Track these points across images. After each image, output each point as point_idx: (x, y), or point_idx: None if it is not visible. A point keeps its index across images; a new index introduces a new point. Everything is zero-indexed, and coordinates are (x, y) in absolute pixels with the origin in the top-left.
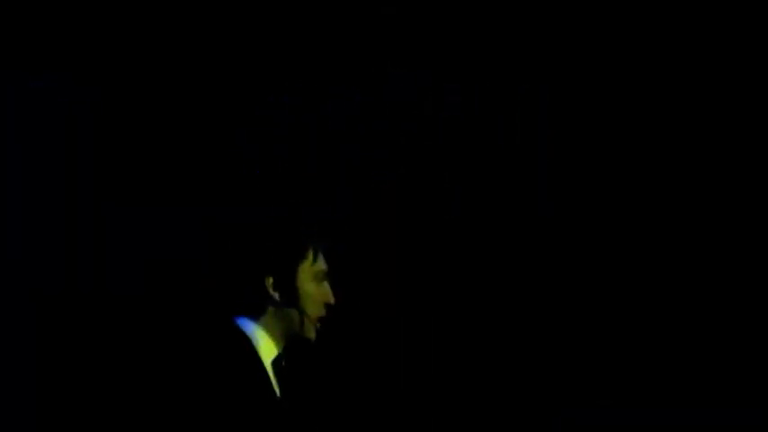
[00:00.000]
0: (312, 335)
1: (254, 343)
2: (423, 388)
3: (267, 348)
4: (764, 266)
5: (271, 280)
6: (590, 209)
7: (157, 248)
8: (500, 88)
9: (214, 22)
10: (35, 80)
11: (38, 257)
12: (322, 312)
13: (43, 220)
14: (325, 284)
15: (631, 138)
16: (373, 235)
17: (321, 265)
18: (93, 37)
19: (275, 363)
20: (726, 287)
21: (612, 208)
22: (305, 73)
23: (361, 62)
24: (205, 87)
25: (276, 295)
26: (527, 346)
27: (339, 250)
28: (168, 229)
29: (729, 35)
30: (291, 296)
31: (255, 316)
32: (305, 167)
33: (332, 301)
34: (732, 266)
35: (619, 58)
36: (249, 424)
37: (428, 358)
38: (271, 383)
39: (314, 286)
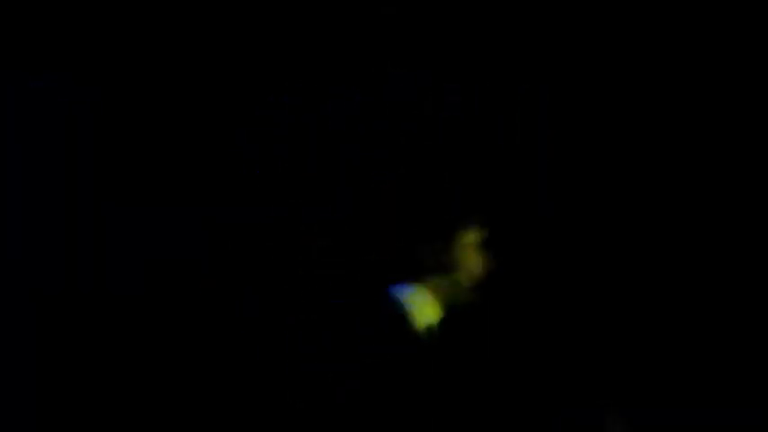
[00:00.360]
0: (467, 301)
1: (409, 309)
2: (422, 388)
3: (422, 315)
4: (764, 266)
5: (430, 248)
6: (590, 209)
7: (157, 248)
8: (500, 88)
9: (214, 22)
10: (35, 80)
11: (38, 257)
12: (480, 280)
13: (43, 221)
14: (481, 254)
15: (631, 138)
16: (373, 235)
17: (477, 235)
18: (93, 37)
19: (430, 329)
20: (726, 286)
21: (612, 208)
22: (305, 73)
23: (361, 62)
24: (205, 87)
25: (434, 263)
26: (527, 345)
27: (339, 250)
28: (168, 229)
29: (729, 35)
30: (449, 264)
31: (412, 283)
32: (305, 167)
33: (487, 269)
34: (732, 265)
35: (619, 58)
36: (405, 388)
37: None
38: (426, 349)
39: (472, 254)
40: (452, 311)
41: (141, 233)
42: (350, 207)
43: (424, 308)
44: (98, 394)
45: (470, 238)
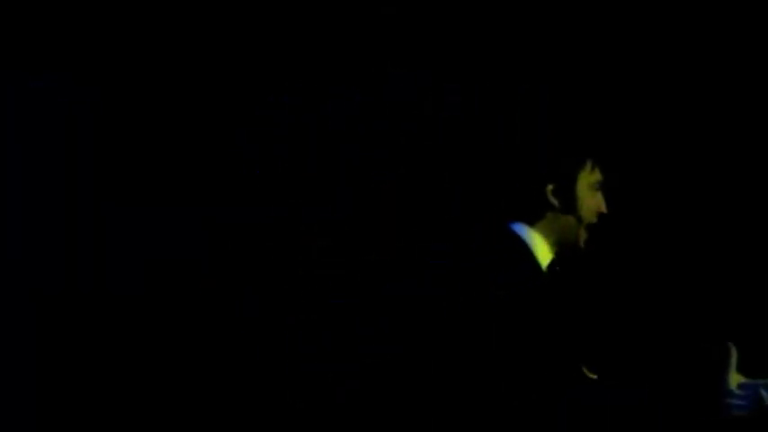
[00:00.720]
0: (582, 242)
1: (531, 247)
2: (423, 383)
3: (542, 253)
4: (764, 265)
5: (551, 187)
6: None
7: (157, 248)
8: (500, 88)
9: (214, 23)
10: (35, 80)
11: (37, 257)
12: (594, 220)
13: (43, 221)
14: (599, 194)
15: (631, 138)
16: (373, 235)
17: (598, 174)
18: (93, 37)
19: (550, 267)
20: (727, 284)
21: (612, 208)
22: (305, 73)
23: (361, 62)
24: (205, 87)
25: (555, 202)
26: (526, 345)
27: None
28: (168, 229)
29: (729, 35)
30: (569, 203)
31: (531, 222)
32: (305, 167)
33: (604, 209)
34: (733, 264)
35: (619, 58)
36: (529, 325)
37: (428, 356)
38: (549, 286)
39: (590, 194)
40: (565, 251)
41: (141, 233)
42: (350, 207)
43: (540, 245)
44: (98, 394)
45: (588, 178)
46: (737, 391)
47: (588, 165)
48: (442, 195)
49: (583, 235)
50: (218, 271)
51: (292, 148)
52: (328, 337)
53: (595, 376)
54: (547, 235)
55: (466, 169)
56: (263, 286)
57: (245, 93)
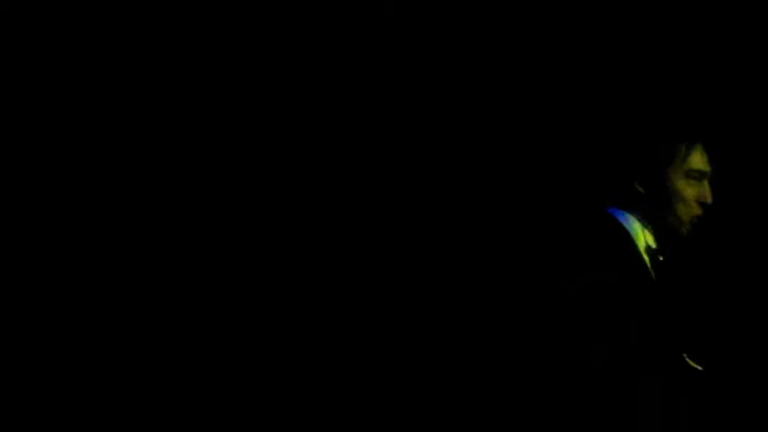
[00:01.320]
0: (683, 232)
1: (630, 232)
2: (423, 387)
3: (640, 238)
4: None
5: (638, 182)
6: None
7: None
8: (500, 88)
9: (214, 23)
10: None
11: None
12: (694, 212)
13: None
14: (698, 183)
15: (632, 138)
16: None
17: (694, 163)
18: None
19: (649, 252)
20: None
21: (719, 198)
22: (305, 73)
23: (362, 62)
24: (204, 87)
25: (642, 190)
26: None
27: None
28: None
29: (729, 35)
30: (660, 197)
31: (629, 208)
32: (305, 167)
33: (707, 199)
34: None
35: (618, 59)
36: (628, 307)
37: (429, 354)
38: (647, 270)
39: (684, 185)
40: (667, 239)
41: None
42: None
43: (639, 232)
44: (97, 394)
45: (681, 167)
46: None
47: (682, 154)
48: (443, 195)
49: (683, 225)
50: (218, 271)
51: (292, 148)
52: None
53: (700, 367)
54: (644, 223)
55: (466, 169)
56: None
57: (244, 92)
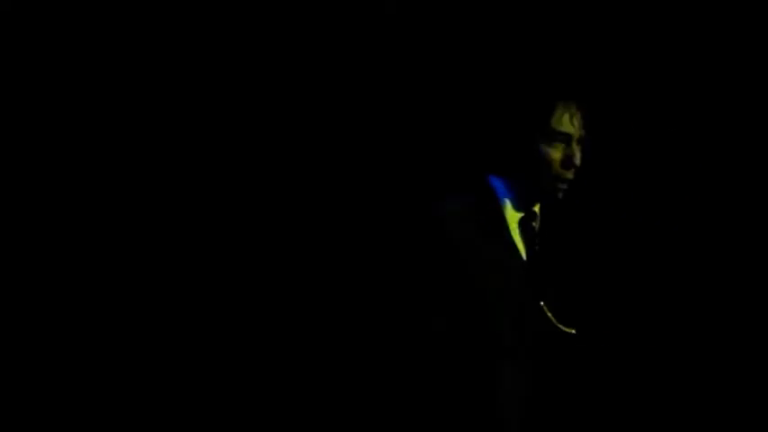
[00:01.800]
0: (556, 196)
1: (501, 201)
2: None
3: (513, 207)
4: (764, 266)
5: (508, 143)
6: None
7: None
8: (500, 88)
9: (212, 22)
10: None
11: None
12: (562, 175)
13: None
14: (564, 145)
15: (631, 138)
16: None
17: (557, 124)
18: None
19: (522, 223)
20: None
21: (612, 207)
22: (305, 73)
23: (361, 62)
24: (203, 87)
25: (516, 158)
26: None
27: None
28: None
29: (729, 36)
30: (528, 161)
31: (505, 175)
32: (305, 167)
33: (572, 163)
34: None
35: (618, 59)
36: (485, 278)
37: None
38: (511, 241)
39: (547, 147)
40: (542, 203)
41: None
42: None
43: (509, 202)
44: (97, 394)
45: (546, 129)
46: None
47: (549, 117)
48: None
49: (555, 189)
50: (218, 271)
51: (293, 148)
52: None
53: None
54: (517, 190)
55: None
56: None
57: (244, 92)
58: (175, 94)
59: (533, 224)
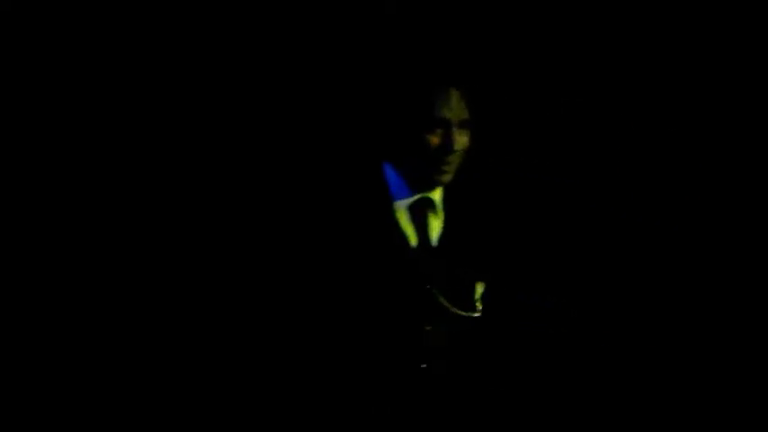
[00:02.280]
0: (442, 181)
1: (393, 188)
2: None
3: (405, 194)
4: (764, 266)
5: (393, 130)
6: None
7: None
8: (499, 88)
9: (211, 22)
10: None
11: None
12: (444, 159)
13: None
14: (443, 131)
15: (632, 138)
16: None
17: (437, 111)
18: (93, 37)
19: (413, 208)
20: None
21: (613, 208)
22: (304, 72)
23: (361, 62)
24: (203, 87)
25: (400, 145)
26: (525, 347)
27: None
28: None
29: (729, 36)
30: (412, 147)
31: (394, 162)
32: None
33: (451, 148)
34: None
35: (617, 59)
36: (365, 267)
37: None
38: (398, 228)
39: (426, 133)
40: (429, 188)
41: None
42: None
43: (401, 188)
44: (96, 394)
45: (426, 113)
46: None
47: (425, 102)
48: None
49: (439, 174)
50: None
51: (293, 148)
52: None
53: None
54: (406, 175)
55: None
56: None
57: (244, 92)
58: (175, 94)
59: (426, 210)
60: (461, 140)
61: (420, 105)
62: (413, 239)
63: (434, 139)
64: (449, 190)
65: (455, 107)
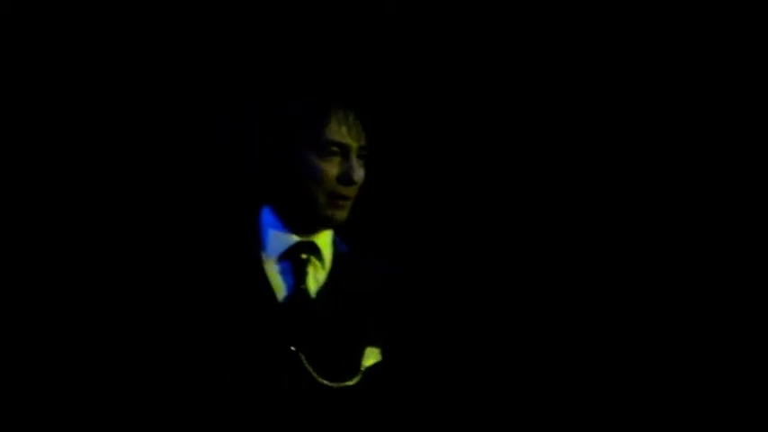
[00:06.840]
0: (331, 220)
1: (264, 234)
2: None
3: (279, 239)
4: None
5: (271, 159)
6: (589, 208)
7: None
8: (499, 88)
9: (213, 23)
10: None
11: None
12: (339, 192)
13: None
14: (341, 158)
15: (631, 138)
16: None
17: (330, 134)
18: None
19: (290, 254)
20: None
21: (612, 207)
22: (304, 74)
23: (362, 62)
24: (202, 87)
25: (282, 177)
26: (525, 347)
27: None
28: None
29: (729, 36)
30: (294, 179)
31: (272, 201)
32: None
33: (351, 178)
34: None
35: (617, 59)
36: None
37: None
38: (265, 281)
39: (318, 161)
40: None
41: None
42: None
43: (277, 233)
44: (96, 394)
45: (317, 142)
46: None
47: (316, 124)
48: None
49: (330, 209)
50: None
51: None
52: None
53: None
54: (286, 215)
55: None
56: None
57: (243, 92)
58: (175, 94)
59: (303, 257)
60: (360, 172)
61: (316, 129)
62: (279, 293)
63: (332, 169)
64: (340, 232)
65: (356, 133)
